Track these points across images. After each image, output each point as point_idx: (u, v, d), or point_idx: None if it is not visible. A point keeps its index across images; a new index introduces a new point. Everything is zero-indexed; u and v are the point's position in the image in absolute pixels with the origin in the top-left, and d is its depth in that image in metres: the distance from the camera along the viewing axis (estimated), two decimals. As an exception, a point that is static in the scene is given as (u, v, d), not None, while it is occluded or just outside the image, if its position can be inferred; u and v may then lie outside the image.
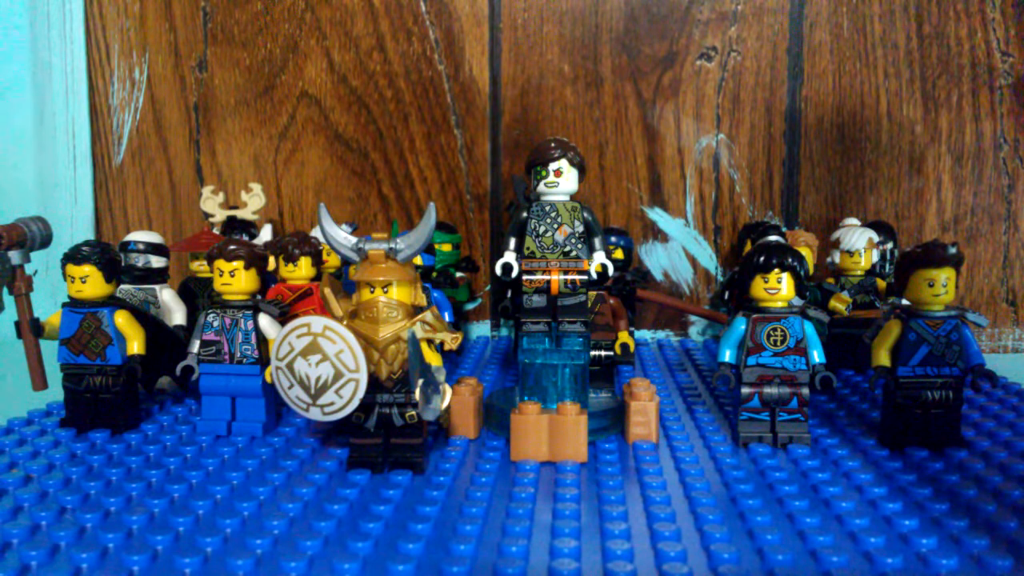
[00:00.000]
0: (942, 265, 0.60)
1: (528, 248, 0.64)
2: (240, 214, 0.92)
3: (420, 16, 1.07)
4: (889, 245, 0.94)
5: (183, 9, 1.08)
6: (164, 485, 0.53)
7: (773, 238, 0.83)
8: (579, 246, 0.63)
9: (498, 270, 0.64)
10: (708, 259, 1.10)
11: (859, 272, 0.88)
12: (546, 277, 0.63)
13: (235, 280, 0.65)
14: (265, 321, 0.65)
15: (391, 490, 0.52)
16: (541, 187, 0.64)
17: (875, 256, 0.89)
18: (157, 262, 0.77)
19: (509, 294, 0.86)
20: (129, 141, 1.10)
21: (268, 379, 0.56)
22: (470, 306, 1.07)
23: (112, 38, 1.08)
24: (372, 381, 0.53)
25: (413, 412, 0.55)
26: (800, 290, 0.63)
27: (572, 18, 1.07)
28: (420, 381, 0.52)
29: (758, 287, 0.62)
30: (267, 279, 0.69)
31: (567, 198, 0.64)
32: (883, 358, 0.62)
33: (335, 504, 0.49)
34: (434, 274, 0.89)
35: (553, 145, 0.63)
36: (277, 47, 1.08)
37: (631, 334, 0.90)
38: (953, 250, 0.60)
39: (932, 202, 1.07)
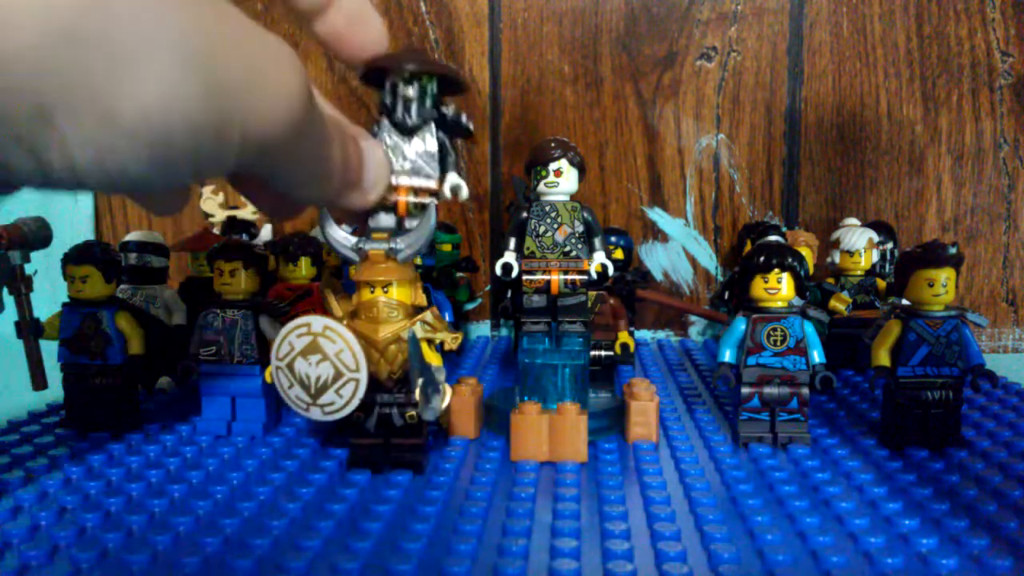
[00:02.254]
0: (942, 265, 0.60)
1: (528, 248, 0.64)
2: (240, 214, 0.92)
3: (420, 16, 1.07)
4: (889, 245, 0.94)
5: (183, 9, 1.08)
6: (164, 485, 0.53)
7: (773, 238, 0.83)
8: (579, 246, 0.63)
9: (498, 270, 0.64)
10: (708, 259, 1.10)
11: (859, 272, 0.88)
12: (546, 277, 0.63)
13: (235, 280, 0.65)
14: (265, 321, 0.65)
15: (391, 490, 0.52)
16: (541, 187, 0.64)
17: (875, 256, 0.89)
18: (157, 262, 0.77)
19: (509, 294, 0.86)
20: (129, 141, 1.09)
21: (268, 379, 0.56)
22: (470, 306, 1.07)
23: (112, 38, 1.08)
24: (372, 381, 0.53)
25: (413, 412, 0.55)
26: (800, 290, 0.63)
27: (572, 18, 1.07)
28: (420, 381, 0.52)
29: (758, 287, 0.62)
30: (267, 279, 0.69)
31: (567, 198, 0.64)
32: (883, 358, 0.62)
33: (335, 504, 0.49)
34: (434, 274, 0.89)
35: (553, 145, 0.63)
36: (277, 47, 1.07)
37: (631, 334, 0.90)
38: (953, 250, 0.60)
39: (932, 202, 1.07)
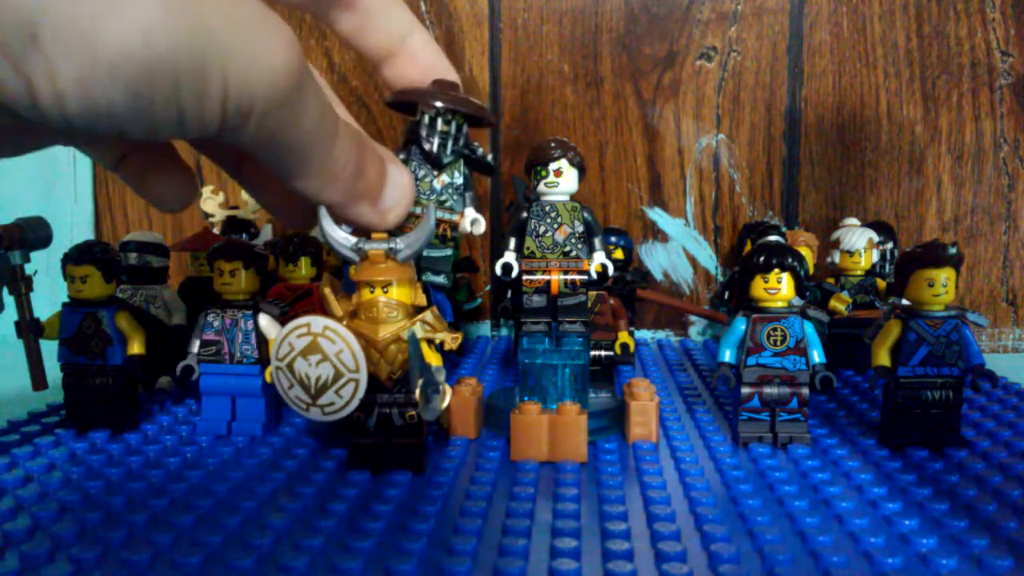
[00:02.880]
0: (942, 265, 0.60)
1: (528, 248, 0.64)
2: (240, 214, 0.92)
3: (420, 16, 1.07)
4: (889, 245, 0.94)
5: (183, 9, 1.08)
6: (165, 484, 0.53)
7: (773, 238, 0.83)
8: (579, 246, 0.63)
9: (498, 270, 0.64)
10: (708, 259, 1.10)
11: (859, 272, 0.88)
12: (546, 277, 0.63)
13: (235, 280, 0.65)
14: (265, 321, 0.65)
15: (391, 490, 0.52)
16: (541, 187, 0.64)
17: (875, 256, 0.89)
18: (157, 262, 0.77)
19: (509, 294, 0.86)
20: (129, 141, 1.09)
21: (268, 379, 0.56)
22: (470, 306, 1.07)
23: (112, 38, 1.08)
24: (372, 381, 0.53)
25: (413, 412, 0.55)
26: (800, 290, 0.63)
27: (572, 18, 1.07)
28: (420, 381, 0.52)
29: (758, 287, 0.62)
30: (267, 279, 0.69)
31: (567, 198, 0.64)
32: (883, 358, 0.62)
33: (336, 503, 0.49)
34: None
35: (553, 145, 0.63)
36: (277, 47, 1.07)
37: (631, 334, 0.90)
38: (953, 250, 0.60)
39: (932, 202, 1.07)
